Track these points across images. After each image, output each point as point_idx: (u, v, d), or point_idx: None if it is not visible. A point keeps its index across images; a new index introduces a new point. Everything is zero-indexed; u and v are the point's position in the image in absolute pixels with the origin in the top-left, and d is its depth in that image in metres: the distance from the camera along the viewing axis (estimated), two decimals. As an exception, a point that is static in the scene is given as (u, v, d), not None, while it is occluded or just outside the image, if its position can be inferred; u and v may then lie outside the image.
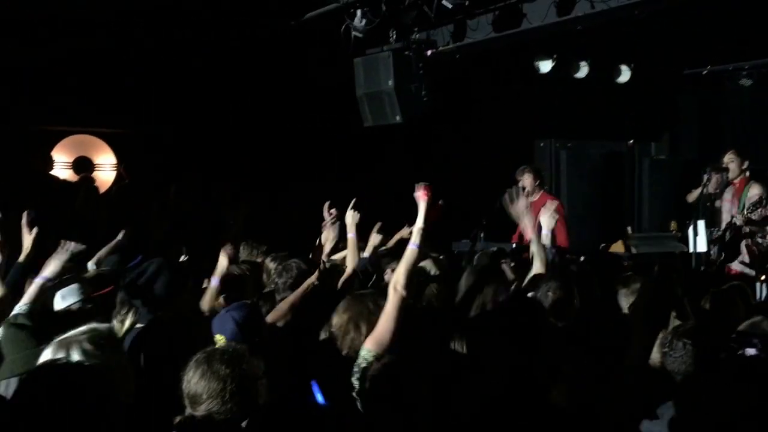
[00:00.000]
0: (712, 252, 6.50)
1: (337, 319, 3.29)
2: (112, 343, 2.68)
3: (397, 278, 3.22)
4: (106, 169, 8.71)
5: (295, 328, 3.77)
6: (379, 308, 3.21)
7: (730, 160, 6.66)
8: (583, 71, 8.55)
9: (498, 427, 2.66)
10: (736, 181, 6.74)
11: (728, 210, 6.72)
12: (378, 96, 7.35)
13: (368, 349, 3.09)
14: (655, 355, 3.11)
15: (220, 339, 3.16)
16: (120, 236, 5.37)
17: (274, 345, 3.42)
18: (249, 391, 2.53)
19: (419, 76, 7.31)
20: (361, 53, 7.39)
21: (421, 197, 3.49)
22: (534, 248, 4.53)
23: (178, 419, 2.50)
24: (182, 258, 5.56)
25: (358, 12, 6.73)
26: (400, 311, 3.13)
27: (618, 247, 7.88)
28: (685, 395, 2.74)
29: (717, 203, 6.84)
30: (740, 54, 8.83)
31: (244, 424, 2.55)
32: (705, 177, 6.64)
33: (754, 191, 6.57)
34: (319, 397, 3.03)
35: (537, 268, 4.45)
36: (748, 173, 6.95)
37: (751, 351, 2.98)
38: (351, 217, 4.74)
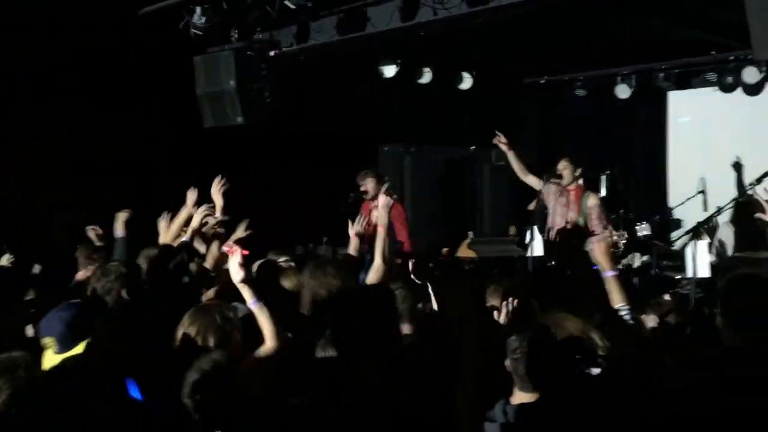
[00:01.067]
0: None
1: (184, 331, 3.14)
2: None
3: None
4: None
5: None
6: (227, 320, 3.12)
7: (563, 167, 6.94)
8: (426, 77, 8.68)
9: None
10: (570, 187, 7.03)
11: (562, 214, 7.01)
12: (219, 96, 7.14)
13: None
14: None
15: (48, 341, 2.93)
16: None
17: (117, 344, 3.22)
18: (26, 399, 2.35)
19: (262, 77, 7.18)
20: (202, 51, 7.17)
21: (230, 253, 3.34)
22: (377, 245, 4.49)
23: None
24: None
25: (198, 9, 6.51)
26: None
27: (463, 252, 8.08)
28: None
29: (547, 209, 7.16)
30: (575, 65, 9.29)
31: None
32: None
33: (592, 201, 6.88)
34: (135, 393, 2.85)
35: (377, 263, 4.40)
36: (581, 180, 7.28)
37: (596, 370, 3.09)
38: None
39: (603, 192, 8.57)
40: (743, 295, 3.13)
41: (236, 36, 7.06)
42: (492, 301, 4.60)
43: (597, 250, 3.61)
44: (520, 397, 2.77)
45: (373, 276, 4.32)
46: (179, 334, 3.15)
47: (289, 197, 8.24)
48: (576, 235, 6.68)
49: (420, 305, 3.99)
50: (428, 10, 5.96)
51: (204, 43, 7.06)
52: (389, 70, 8.28)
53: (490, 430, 2.70)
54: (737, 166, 8.01)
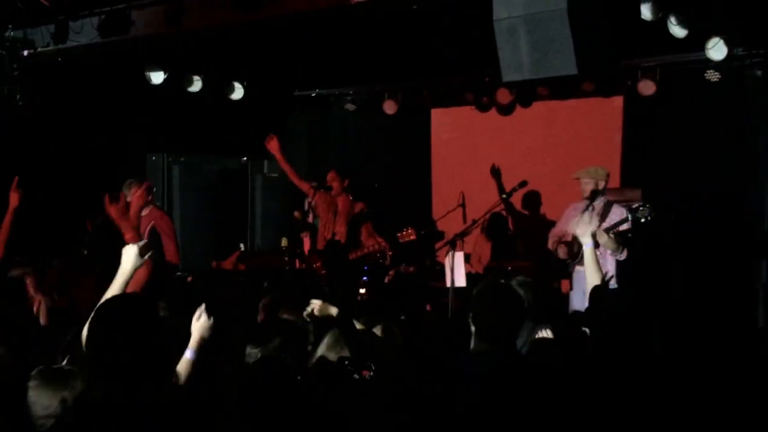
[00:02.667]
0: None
1: None
2: None
3: None
4: None
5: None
6: None
7: (332, 178, 7.18)
8: (196, 85, 8.51)
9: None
10: (338, 198, 7.26)
11: (328, 225, 7.23)
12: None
13: None
14: None
15: None
16: None
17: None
18: None
19: (14, 78, 6.69)
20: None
21: None
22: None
23: None
24: None
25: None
26: None
27: (233, 265, 7.99)
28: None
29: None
30: (345, 80, 9.55)
31: None
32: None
33: (359, 213, 7.15)
34: None
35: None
36: (349, 193, 7.55)
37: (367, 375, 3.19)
38: None
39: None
40: (490, 304, 3.38)
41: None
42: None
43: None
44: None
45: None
46: None
47: (50, 207, 7.69)
48: (340, 246, 6.91)
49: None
50: (195, 16, 5.87)
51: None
52: (157, 77, 8.01)
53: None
54: (495, 175, 8.59)
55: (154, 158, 8.84)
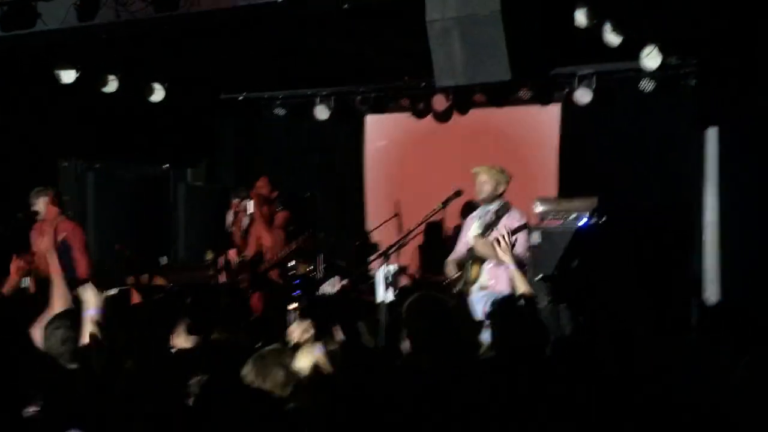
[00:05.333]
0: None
1: None
2: None
3: None
4: None
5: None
6: None
7: (263, 186, 7.04)
8: (112, 85, 8.17)
9: None
10: (264, 209, 7.09)
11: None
12: None
13: None
14: None
15: None
16: None
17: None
18: None
19: None
20: None
21: None
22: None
23: None
24: None
25: None
26: None
27: (156, 279, 7.73)
28: None
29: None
30: (275, 83, 9.37)
31: None
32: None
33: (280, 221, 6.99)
34: None
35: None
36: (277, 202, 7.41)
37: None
38: None
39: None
40: (422, 317, 3.32)
41: None
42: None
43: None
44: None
45: None
46: None
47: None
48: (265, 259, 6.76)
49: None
50: (110, 11, 5.61)
51: None
52: (68, 76, 7.65)
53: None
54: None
55: (66, 164, 8.45)
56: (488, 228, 5.91)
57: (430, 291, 5.72)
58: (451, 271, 6.12)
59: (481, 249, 5.81)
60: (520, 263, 5.83)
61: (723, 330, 5.87)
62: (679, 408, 2.81)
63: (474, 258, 5.96)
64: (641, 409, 2.85)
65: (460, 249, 6.26)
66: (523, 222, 5.91)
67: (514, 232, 5.51)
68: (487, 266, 5.91)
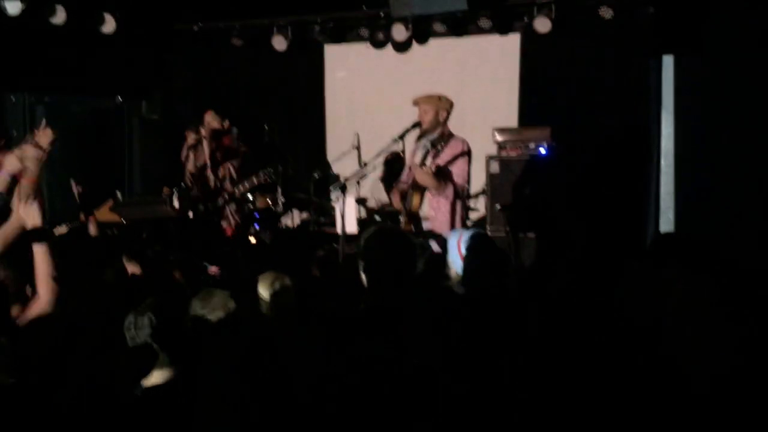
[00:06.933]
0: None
1: None
2: None
3: None
4: None
5: None
6: None
7: (211, 119, 6.92)
8: (60, 16, 7.94)
9: None
10: (223, 140, 7.02)
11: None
12: None
13: None
14: None
15: None
16: None
17: None
18: None
19: None
20: None
21: None
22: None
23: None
24: None
25: None
26: None
27: (105, 216, 7.64)
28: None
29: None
30: (231, 13, 9.16)
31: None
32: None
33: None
34: None
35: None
36: (233, 133, 7.32)
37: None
38: None
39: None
40: (380, 250, 3.30)
41: None
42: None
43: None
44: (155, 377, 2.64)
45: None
46: None
47: None
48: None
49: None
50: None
51: None
52: (13, 7, 7.43)
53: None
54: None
55: (13, 99, 8.26)
56: (427, 156, 5.95)
57: (388, 223, 5.78)
58: (396, 201, 6.17)
59: (421, 178, 5.84)
60: (458, 193, 5.92)
61: (674, 257, 6.01)
62: (619, 328, 2.91)
63: (415, 187, 5.99)
64: (589, 331, 2.95)
65: (404, 179, 6.31)
66: (464, 149, 5.96)
67: (454, 159, 5.58)
68: (428, 196, 5.96)
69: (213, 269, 3.51)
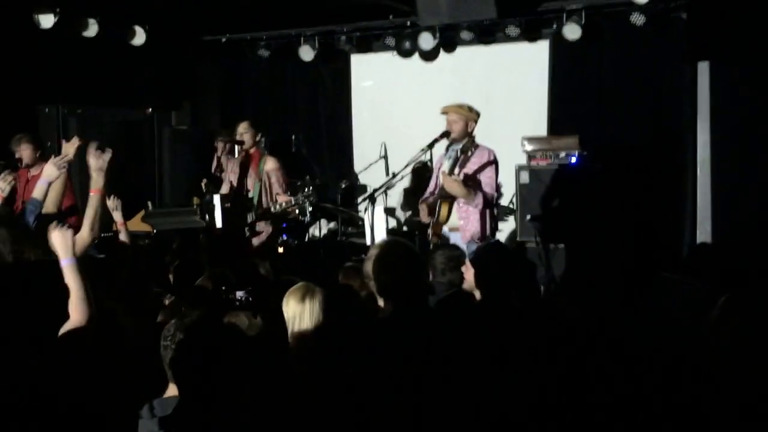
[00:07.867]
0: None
1: None
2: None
3: None
4: None
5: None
6: None
7: (244, 130, 6.92)
8: (92, 29, 8.07)
9: None
10: (250, 151, 7.02)
11: (239, 179, 7.02)
12: None
13: None
14: None
15: None
16: None
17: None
18: None
19: None
20: None
21: None
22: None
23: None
24: None
25: None
26: None
27: (137, 225, 7.70)
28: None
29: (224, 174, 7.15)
30: (258, 24, 9.23)
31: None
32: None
33: (271, 165, 6.93)
34: None
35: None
36: (262, 144, 7.33)
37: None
38: None
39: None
40: (389, 263, 3.27)
41: None
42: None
43: (52, 237, 3.36)
44: (172, 389, 2.62)
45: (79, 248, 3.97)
46: None
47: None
48: (248, 202, 6.74)
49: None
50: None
51: None
52: (46, 20, 7.56)
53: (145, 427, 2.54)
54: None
55: (47, 110, 8.36)
56: (455, 165, 5.92)
57: (395, 237, 5.73)
58: (423, 215, 6.13)
59: (449, 187, 5.82)
60: (488, 202, 5.89)
61: (710, 269, 5.92)
62: (651, 348, 2.87)
63: (444, 197, 5.96)
64: (618, 348, 2.92)
65: (430, 190, 6.29)
66: (492, 159, 5.93)
67: (482, 168, 5.56)
68: (457, 205, 5.93)
69: (240, 293, 3.50)
